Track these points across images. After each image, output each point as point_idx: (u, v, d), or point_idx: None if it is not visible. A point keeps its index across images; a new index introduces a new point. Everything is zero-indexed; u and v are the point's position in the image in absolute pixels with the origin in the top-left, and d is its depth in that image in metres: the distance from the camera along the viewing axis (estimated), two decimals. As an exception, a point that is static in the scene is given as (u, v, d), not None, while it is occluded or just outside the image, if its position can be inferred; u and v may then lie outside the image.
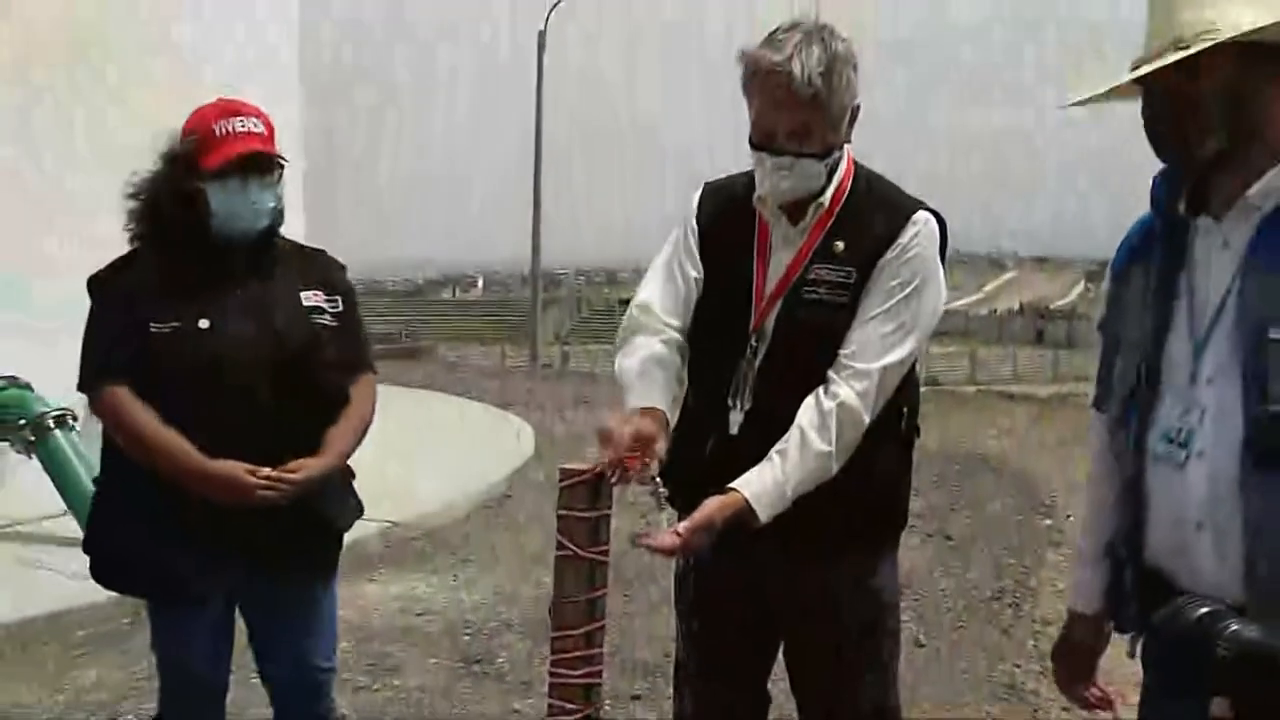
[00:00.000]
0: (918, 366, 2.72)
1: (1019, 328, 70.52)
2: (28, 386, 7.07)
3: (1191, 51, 1.94)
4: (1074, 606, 2.42)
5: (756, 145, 2.50)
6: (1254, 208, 2.00)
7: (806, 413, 2.44)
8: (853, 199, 2.57)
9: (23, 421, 6.89)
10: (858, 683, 2.71)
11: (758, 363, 2.58)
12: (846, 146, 2.57)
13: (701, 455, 2.52)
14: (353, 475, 3.26)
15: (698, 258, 2.67)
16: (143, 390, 2.92)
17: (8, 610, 5.68)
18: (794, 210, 2.57)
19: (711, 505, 2.35)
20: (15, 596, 5.90)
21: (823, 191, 2.53)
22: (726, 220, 2.65)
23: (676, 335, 2.63)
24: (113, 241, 3.04)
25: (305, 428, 3.00)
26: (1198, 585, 2.05)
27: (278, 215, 3.07)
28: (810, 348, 2.51)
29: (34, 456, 6.92)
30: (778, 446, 2.42)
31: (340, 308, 3.13)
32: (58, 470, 6.83)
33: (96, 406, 3.00)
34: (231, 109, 2.99)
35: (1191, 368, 2.06)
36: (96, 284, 3.05)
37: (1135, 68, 2.04)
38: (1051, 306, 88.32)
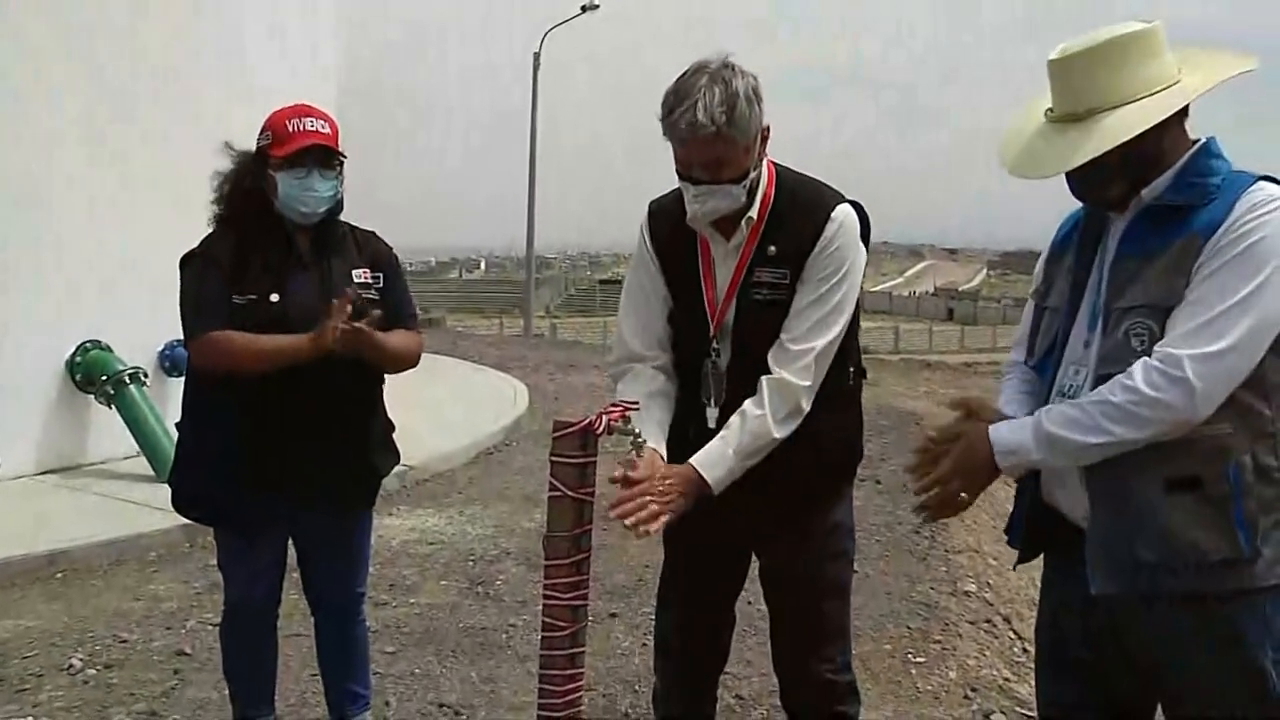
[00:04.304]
0: (859, 336, 2.68)
1: (933, 307, 70.77)
2: (108, 349, 7.22)
3: (1153, 122, 1.92)
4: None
5: (680, 175, 2.44)
6: (1141, 204, 2.04)
7: (771, 366, 2.44)
8: (778, 205, 2.51)
9: (104, 377, 7.05)
10: (822, 599, 2.71)
11: (724, 362, 2.54)
12: (765, 159, 2.50)
13: (685, 445, 2.48)
14: (393, 428, 3.27)
15: (660, 278, 2.62)
16: None
17: (96, 533, 5.76)
18: (726, 226, 2.50)
19: (676, 477, 2.34)
20: (102, 522, 5.97)
21: (750, 207, 2.47)
22: (673, 237, 2.59)
23: (665, 361, 2.60)
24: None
25: (355, 381, 3.03)
26: (1073, 513, 2.10)
27: (337, 204, 3.07)
28: (765, 342, 2.47)
29: (113, 407, 7.05)
30: (726, 425, 2.43)
31: (382, 283, 3.13)
32: (132, 418, 7.00)
33: (204, 348, 2.95)
34: (303, 111, 3.01)
35: (1086, 335, 2.09)
36: (188, 259, 3.04)
37: (1064, 118, 2.02)
38: (960, 289, 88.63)
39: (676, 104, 2.32)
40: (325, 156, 2.97)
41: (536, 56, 28.79)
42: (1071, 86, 2.00)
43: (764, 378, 2.43)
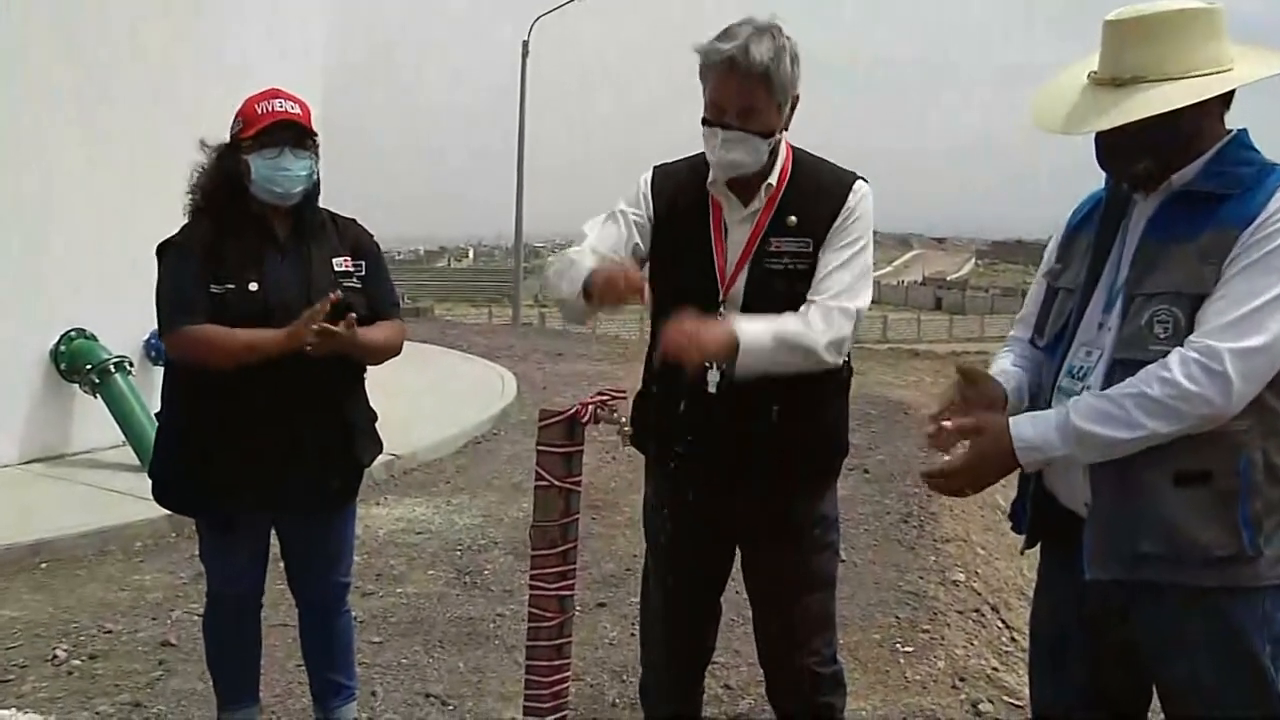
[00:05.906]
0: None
1: (921, 296, 70.87)
2: (93, 337, 7.17)
3: (1204, 96, 1.89)
4: None
5: (708, 121, 2.42)
6: (1171, 189, 2.00)
7: (807, 307, 2.39)
8: (796, 177, 2.50)
9: (89, 366, 6.99)
10: (807, 591, 2.70)
11: None
12: (784, 134, 2.50)
13: (676, 412, 2.45)
14: (375, 418, 3.24)
15: (649, 208, 2.57)
16: None
17: (81, 523, 5.73)
18: (744, 191, 2.49)
19: (710, 324, 2.28)
20: (86, 512, 5.93)
21: (770, 172, 2.47)
22: (680, 201, 2.56)
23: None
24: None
25: (336, 371, 2.98)
26: (1072, 501, 2.07)
27: (313, 186, 3.03)
28: (774, 310, 2.43)
29: (99, 396, 6.99)
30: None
31: (364, 271, 3.10)
32: (117, 407, 6.94)
33: (179, 342, 2.92)
34: (272, 94, 2.98)
35: (1101, 318, 2.05)
36: (165, 248, 3.00)
37: (1106, 81, 1.98)
38: (948, 279, 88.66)
39: (723, 40, 2.35)
40: (297, 136, 2.94)
41: (525, 44, 28.67)
42: (1121, 50, 1.95)
43: (825, 307, 2.39)
